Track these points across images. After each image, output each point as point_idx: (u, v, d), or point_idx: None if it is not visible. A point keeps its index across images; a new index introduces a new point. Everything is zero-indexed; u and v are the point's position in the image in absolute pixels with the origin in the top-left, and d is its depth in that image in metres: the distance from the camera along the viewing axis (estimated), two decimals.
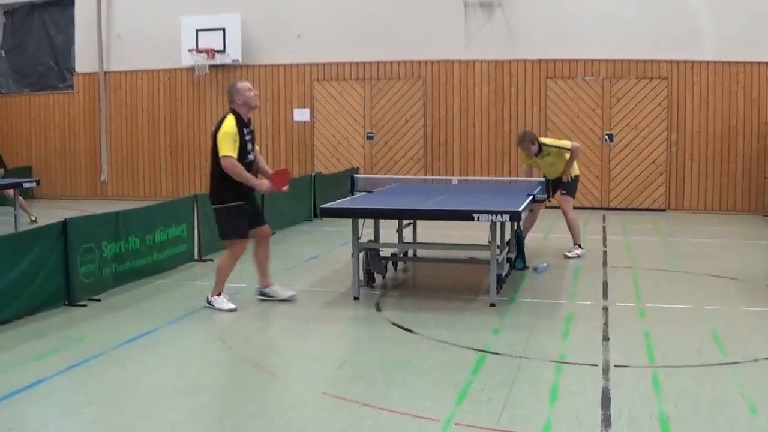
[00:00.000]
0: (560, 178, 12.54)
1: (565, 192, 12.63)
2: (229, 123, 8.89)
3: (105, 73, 22.29)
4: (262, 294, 9.64)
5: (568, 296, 9.97)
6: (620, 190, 19.16)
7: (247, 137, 9.01)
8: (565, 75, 19.31)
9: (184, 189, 21.45)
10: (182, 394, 6.45)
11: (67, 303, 9.29)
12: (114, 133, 22.52)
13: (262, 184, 9.06)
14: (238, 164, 8.79)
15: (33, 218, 16.34)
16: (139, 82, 22.25)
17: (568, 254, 12.44)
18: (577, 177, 12.79)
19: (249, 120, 9.17)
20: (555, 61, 19.33)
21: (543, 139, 12.71)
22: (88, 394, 6.44)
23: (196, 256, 12.16)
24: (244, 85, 9.11)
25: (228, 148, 8.77)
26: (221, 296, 9.25)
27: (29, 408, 6.14)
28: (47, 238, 9.14)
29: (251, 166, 9.10)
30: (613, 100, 19.04)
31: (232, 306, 9.17)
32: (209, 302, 9.26)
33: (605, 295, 9.92)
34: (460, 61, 19.91)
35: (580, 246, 12.62)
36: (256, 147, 9.40)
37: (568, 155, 12.45)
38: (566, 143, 12.75)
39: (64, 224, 9.33)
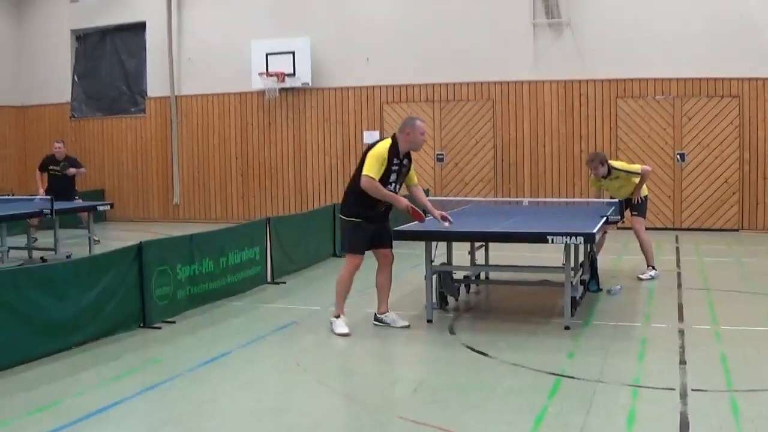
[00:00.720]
0: (629, 199, 12.43)
1: (636, 213, 12.50)
2: (383, 146, 8.97)
3: (176, 97, 22.64)
4: (378, 320, 9.57)
5: (642, 319, 9.85)
6: (692, 210, 18.88)
7: (394, 167, 8.99)
8: (636, 94, 19.13)
9: (255, 212, 21.69)
10: (258, 417, 6.49)
11: (142, 325, 9.42)
12: (185, 157, 22.83)
13: (401, 200, 9.00)
14: (377, 183, 8.82)
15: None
16: (210, 105, 22.54)
17: (642, 276, 12.29)
18: (645, 197, 12.64)
19: (407, 154, 9.14)
20: (625, 80, 19.16)
21: (613, 163, 12.60)
22: (164, 416, 6.52)
23: (268, 279, 12.23)
24: (422, 126, 9.10)
25: (371, 168, 8.84)
26: (340, 318, 9.25)
27: (106, 429, 6.23)
28: (123, 260, 9.28)
29: None
30: (684, 119, 18.79)
31: (345, 330, 9.14)
32: (331, 322, 9.32)
33: (680, 318, 9.77)
34: (528, 82, 19.84)
35: (653, 267, 12.45)
36: (415, 180, 9.48)
37: (637, 179, 12.34)
38: (636, 167, 12.61)
39: (140, 247, 9.46)
